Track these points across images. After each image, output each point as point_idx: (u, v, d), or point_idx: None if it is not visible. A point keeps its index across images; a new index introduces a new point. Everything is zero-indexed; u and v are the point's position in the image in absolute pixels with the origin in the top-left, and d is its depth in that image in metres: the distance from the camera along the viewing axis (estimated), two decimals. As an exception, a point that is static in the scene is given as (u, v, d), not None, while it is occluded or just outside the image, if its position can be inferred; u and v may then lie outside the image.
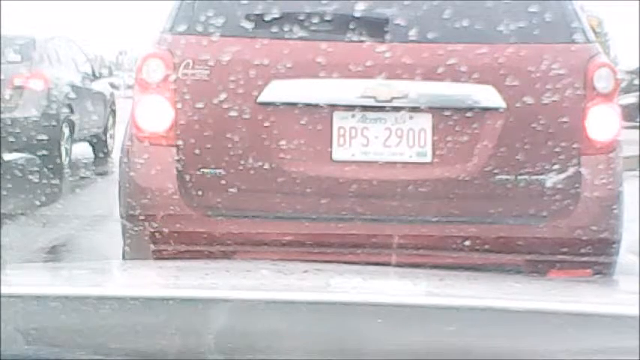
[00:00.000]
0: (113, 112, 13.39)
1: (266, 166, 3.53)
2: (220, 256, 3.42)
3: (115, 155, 6.53)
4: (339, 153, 3.58)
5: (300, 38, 3.52)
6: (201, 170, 3.57)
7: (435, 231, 3.55)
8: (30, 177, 9.46)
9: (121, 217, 3.73)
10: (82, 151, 12.21)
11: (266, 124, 3.53)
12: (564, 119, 3.56)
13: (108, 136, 12.96)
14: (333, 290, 1.70)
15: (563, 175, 3.55)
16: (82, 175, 10.94)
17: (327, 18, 3.54)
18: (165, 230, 3.51)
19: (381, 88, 3.52)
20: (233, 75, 3.49)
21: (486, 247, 3.51)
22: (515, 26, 3.54)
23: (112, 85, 14.57)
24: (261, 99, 3.53)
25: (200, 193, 3.57)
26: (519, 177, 3.56)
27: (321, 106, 3.56)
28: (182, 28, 3.60)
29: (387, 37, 3.55)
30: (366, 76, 3.51)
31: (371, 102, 3.54)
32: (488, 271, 3.34)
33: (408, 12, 3.56)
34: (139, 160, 3.64)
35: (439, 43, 3.52)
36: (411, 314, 1.32)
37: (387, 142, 3.59)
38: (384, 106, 3.55)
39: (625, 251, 4.14)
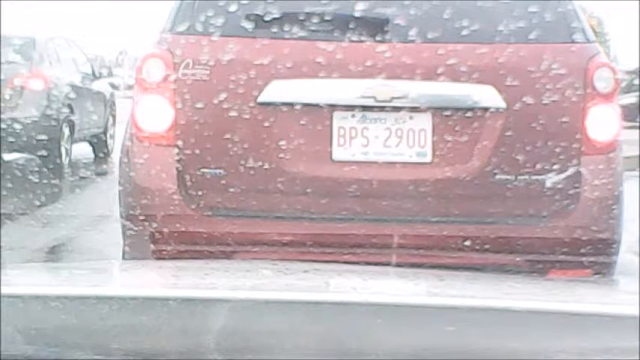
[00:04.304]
0: (113, 112, 13.39)
1: (266, 166, 3.53)
2: (220, 256, 3.42)
3: (115, 155, 6.53)
4: (339, 153, 3.58)
5: (300, 38, 3.52)
6: (201, 170, 3.57)
7: (435, 231, 3.55)
8: (30, 177, 9.46)
9: (121, 217, 3.73)
10: (82, 151, 12.20)
11: (266, 124, 3.53)
12: (564, 119, 3.56)
13: (108, 136, 12.95)
14: (333, 290, 1.70)
15: (563, 175, 3.55)
16: (82, 175, 10.93)
17: (327, 18, 3.54)
18: (166, 230, 3.51)
19: (381, 88, 3.52)
20: (233, 75, 3.49)
21: (486, 247, 3.51)
22: (515, 26, 3.54)
23: (112, 85, 14.57)
24: (261, 99, 3.53)
25: (200, 193, 3.57)
26: (519, 177, 3.56)
27: (321, 106, 3.56)
28: (182, 28, 3.60)
29: (387, 37, 3.55)
30: (366, 76, 3.51)
31: (371, 102, 3.54)
32: (488, 271, 3.34)
33: (408, 12, 3.56)
34: (139, 160, 3.64)
35: (439, 43, 3.52)
36: (411, 314, 1.32)
37: (387, 143, 3.59)
38: (384, 106, 3.55)
39: (625, 251, 4.14)
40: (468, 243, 3.50)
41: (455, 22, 3.54)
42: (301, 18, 3.53)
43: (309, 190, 3.56)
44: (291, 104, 3.54)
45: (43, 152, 10.21)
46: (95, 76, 12.79)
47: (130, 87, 13.64)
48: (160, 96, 3.58)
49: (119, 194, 3.78)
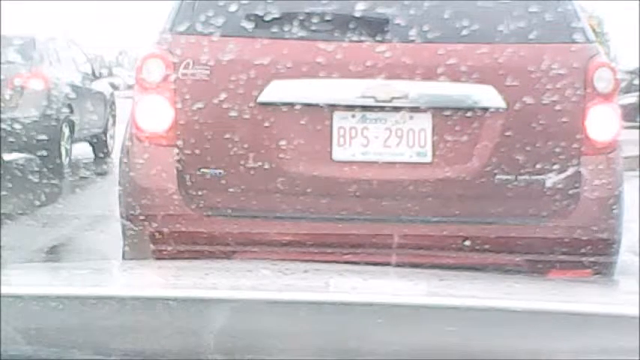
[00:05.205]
0: (113, 112, 13.39)
1: (266, 166, 3.53)
2: (220, 256, 3.42)
3: (115, 155, 6.53)
4: (339, 153, 3.58)
5: (300, 38, 3.52)
6: (201, 170, 3.56)
7: (435, 231, 3.55)
8: (30, 177, 9.46)
9: (121, 217, 3.73)
10: (82, 151, 12.20)
11: (266, 124, 3.53)
12: (564, 119, 3.56)
13: (108, 136, 12.95)
14: (333, 290, 1.70)
15: (563, 175, 3.55)
16: (82, 175, 10.93)
17: (327, 18, 3.54)
18: (166, 230, 3.51)
19: (381, 88, 3.52)
20: (233, 75, 3.49)
21: (486, 247, 3.51)
22: (515, 26, 3.54)
23: (112, 85, 14.57)
24: (261, 99, 3.53)
25: (200, 193, 3.57)
26: (519, 177, 3.56)
27: (321, 106, 3.56)
28: (182, 28, 3.60)
29: (387, 37, 3.55)
30: (366, 76, 3.51)
31: (371, 102, 3.54)
32: (489, 271, 3.34)
33: (408, 12, 3.56)
34: (139, 160, 3.64)
35: (439, 43, 3.52)
36: (411, 314, 1.32)
37: (387, 142, 3.58)
38: (384, 106, 3.55)
39: (625, 251, 4.14)
40: (468, 243, 3.50)
41: (455, 22, 3.54)
42: (301, 18, 3.53)
43: (309, 190, 3.56)
44: (291, 104, 3.54)
45: (43, 152, 10.21)
46: (95, 76, 12.78)
47: (130, 87, 13.64)
48: (160, 96, 3.58)
49: (119, 194, 3.78)
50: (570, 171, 3.56)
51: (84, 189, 10.08)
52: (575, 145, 3.58)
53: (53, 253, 6.15)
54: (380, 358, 1.25)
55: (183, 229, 3.53)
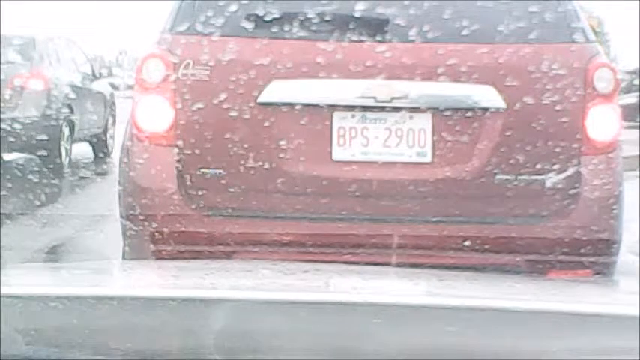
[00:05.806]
0: (113, 112, 13.39)
1: (266, 166, 3.53)
2: (220, 256, 3.42)
3: (115, 155, 6.53)
4: (339, 153, 3.58)
5: (300, 38, 3.53)
6: (201, 170, 3.57)
7: (435, 231, 3.55)
8: (30, 177, 9.46)
9: (121, 217, 3.73)
10: (82, 151, 12.20)
11: (266, 124, 3.53)
12: (564, 119, 3.56)
13: (108, 136, 12.95)
14: (333, 290, 1.70)
15: (563, 175, 3.55)
16: (82, 175, 10.93)
17: (327, 18, 3.54)
18: (166, 230, 3.51)
19: (381, 88, 3.52)
20: (233, 75, 3.49)
21: (486, 247, 3.50)
22: (515, 26, 3.54)
23: (112, 85, 14.56)
24: (261, 99, 3.53)
25: (200, 193, 3.57)
26: (519, 177, 3.56)
27: (321, 106, 3.56)
28: (182, 28, 3.60)
29: (387, 37, 3.55)
30: (366, 76, 3.51)
31: (371, 102, 3.54)
32: (489, 271, 3.34)
33: (408, 12, 3.56)
34: (139, 160, 3.64)
35: (439, 43, 3.52)
36: (411, 314, 1.32)
37: (387, 143, 3.59)
38: (384, 106, 3.55)
39: (625, 251, 4.14)
40: (468, 243, 3.49)
41: (455, 22, 3.54)
42: (301, 18, 3.53)
43: (309, 190, 3.56)
44: (291, 104, 3.54)
45: (43, 152, 10.21)
46: (95, 76, 12.78)
47: (130, 87, 13.64)
48: (160, 96, 3.58)
49: (119, 194, 3.78)
50: (570, 171, 3.56)
51: (84, 189, 10.08)
52: (575, 145, 3.58)
53: (53, 253, 6.14)
54: (380, 358, 1.25)
55: (183, 229, 3.53)
